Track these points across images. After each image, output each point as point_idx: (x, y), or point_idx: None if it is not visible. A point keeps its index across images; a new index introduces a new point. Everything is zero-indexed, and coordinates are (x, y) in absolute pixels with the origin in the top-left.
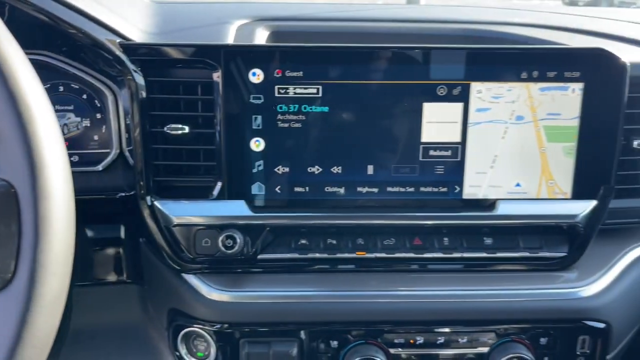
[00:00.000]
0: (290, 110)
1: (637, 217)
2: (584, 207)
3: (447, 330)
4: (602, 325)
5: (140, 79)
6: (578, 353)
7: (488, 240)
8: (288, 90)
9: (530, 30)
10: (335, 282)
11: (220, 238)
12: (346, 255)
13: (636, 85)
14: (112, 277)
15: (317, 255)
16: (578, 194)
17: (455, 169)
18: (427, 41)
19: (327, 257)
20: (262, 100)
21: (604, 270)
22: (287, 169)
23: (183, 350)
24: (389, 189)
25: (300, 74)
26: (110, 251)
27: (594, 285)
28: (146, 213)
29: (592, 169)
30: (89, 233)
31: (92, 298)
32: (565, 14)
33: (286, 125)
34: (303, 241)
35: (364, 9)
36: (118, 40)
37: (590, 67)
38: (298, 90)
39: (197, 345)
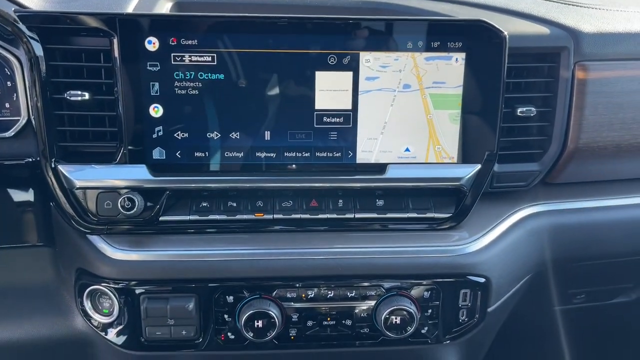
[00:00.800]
0: (187, 78)
1: (522, 181)
2: (468, 171)
3: (336, 285)
4: (482, 279)
5: (38, 47)
6: (460, 305)
7: (380, 202)
8: (184, 58)
9: (419, 2)
10: (233, 241)
11: (120, 200)
12: (245, 216)
13: (517, 56)
14: (24, 240)
15: (217, 217)
16: (464, 158)
17: (348, 135)
18: (321, 12)
19: (227, 218)
20: (158, 68)
21: (487, 230)
22: (186, 135)
23: (88, 306)
24: (287, 154)
25: (195, 42)
26: (22, 215)
27: (476, 243)
28: (50, 177)
29: (476, 135)
30: (1, 196)
31: (5, 260)
32: None
33: (184, 92)
34: (204, 204)
35: None
36: (14, 8)
37: (472, 38)
38: (194, 58)
39: (102, 303)
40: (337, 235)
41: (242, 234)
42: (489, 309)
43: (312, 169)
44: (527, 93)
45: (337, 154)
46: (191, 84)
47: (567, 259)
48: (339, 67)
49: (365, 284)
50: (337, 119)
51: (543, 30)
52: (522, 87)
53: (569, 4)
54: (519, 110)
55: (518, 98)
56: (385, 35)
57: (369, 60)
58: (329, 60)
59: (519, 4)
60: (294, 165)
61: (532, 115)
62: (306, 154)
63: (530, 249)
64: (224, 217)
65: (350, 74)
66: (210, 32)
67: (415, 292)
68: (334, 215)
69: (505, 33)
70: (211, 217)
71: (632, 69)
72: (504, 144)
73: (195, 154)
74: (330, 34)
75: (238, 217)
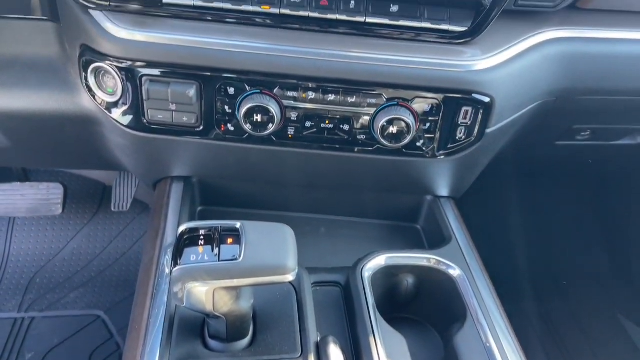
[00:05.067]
0: None
1: (550, 1)
2: None
3: (337, 87)
4: (486, 99)
5: None
6: (459, 123)
7: (394, 8)
8: None
9: None
10: (237, 33)
11: None
12: (250, 7)
13: None
14: (29, 12)
15: (222, 4)
16: None
17: None
18: None
19: (232, 7)
20: None
21: (502, 49)
22: None
23: (92, 82)
24: None
25: None
26: None
27: (487, 61)
28: None
29: None
30: None
31: (11, 31)
32: None
33: None
34: None
35: None
36: None
37: None
38: None
39: (106, 82)
40: (344, 39)
41: (247, 27)
42: (488, 130)
43: None
44: None
45: None
46: None
47: (580, 91)
48: None
49: (367, 91)
50: None
51: None
52: None
53: None
54: None
55: None
56: None
57: None
58: None
59: None
60: None
61: None
62: None
63: (544, 75)
64: (228, 5)
65: None
66: None
67: (416, 104)
68: (344, 17)
69: None
70: (216, 4)
71: None
72: None
73: None
74: None
75: (244, 7)
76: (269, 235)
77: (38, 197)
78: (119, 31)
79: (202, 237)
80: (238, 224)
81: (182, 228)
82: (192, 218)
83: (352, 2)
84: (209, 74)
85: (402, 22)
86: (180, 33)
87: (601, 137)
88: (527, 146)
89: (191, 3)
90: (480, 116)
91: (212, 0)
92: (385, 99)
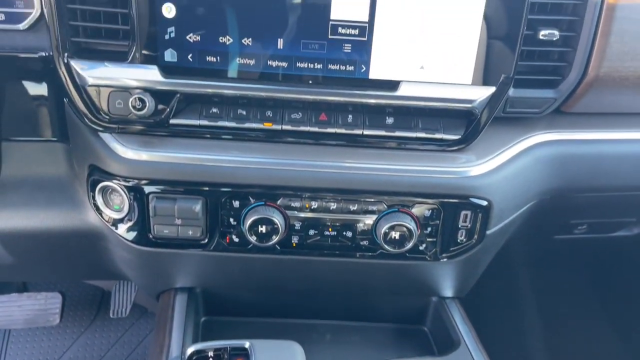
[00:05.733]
0: None
1: (536, 108)
2: (482, 94)
3: (339, 197)
4: (484, 202)
5: None
6: (460, 226)
7: (389, 120)
8: None
9: None
10: (241, 149)
11: (131, 100)
12: (254, 125)
13: None
14: (39, 134)
15: (227, 123)
16: (479, 80)
17: (362, 48)
18: None
19: (236, 125)
20: None
21: (495, 154)
22: (198, 38)
23: (100, 201)
24: (298, 64)
25: None
26: (37, 109)
27: (482, 166)
28: (63, 72)
29: (494, 57)
30: (16, 89)
31: (21, 153)
32: None
33: None
34: (214, 110)
35: None
36: None
37: None
38: None
39: (113, 199)
40: (344, 150)
41: (250, 142)
42: (488, 232)
43: (324, 81)
44: (552, 15)
45: (350, 68)
46: None
47: (572, 189)
48: None
49: (368, 199)
50: (352, 31)
51: None
52: (547, 9)
53: None
54: (541, 33)
55: (542, 20)
56: None
57: None
58: None
59: None
60: (305, 77)
61: (554, 39)
62: (318, 66)
63: (537, 177)
64: (233, 124)
65: None
66: None
67: (416, 210)
68: (343, 130)
69: None
70: (220, 123)
71: None
72: (521, 68)
73: (207, 58)
74: None
75: (247, 125)
76: (279, 355)
77: (36, 307)
78: (126, 152)
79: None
80: (247, 344)
81: (190, 350)
82: (196, 330)
83: (350, 117)
84: (214, 189)
85: (397, 133)
86: (186, 151)
87: (598, 230)
88: (527, 241)
89: (197, 123)
90: (479, 219)
91: (217, 119)
92: (386, 206)
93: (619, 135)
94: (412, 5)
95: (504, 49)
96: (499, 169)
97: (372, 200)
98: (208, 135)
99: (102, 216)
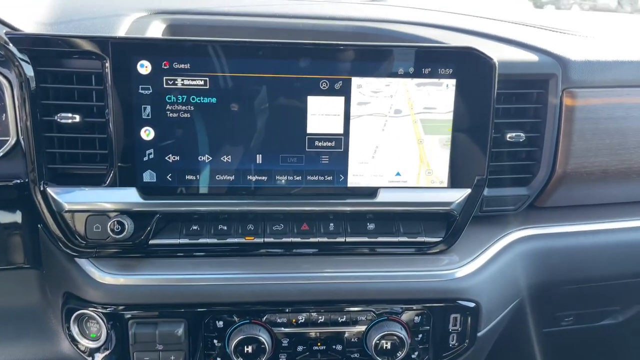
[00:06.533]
0: (179, 101)
1: (511, 205)
2: (459, 196)
3: (327, 310)
4: (472, 304)
5: (29, 69)
6: (450, 330)
7: (370, 226)
8: (176, 82)
9: (409, 27)
10: (223, 265)
11: (109, 224)
12: (236, 240)
13: (506, 82)
14: (11, 262)
15: (208, 240)
16: (454, 183)
17: (339, 159)
18: (313, 37)
19: (217, 242)
20: (150, 91)
21: (477, 254)
22: (177, 157)
23: (75, 331)
24: (278, 177)
25: (188, 66)
26: (10, 236)
27: (465, 268)
28: (39, 199)
29: (466, 160)
30: None
31: None
32: (450, 12)
33: (175, 115)
34: (194, 227)
35: (259, 4)
36: (5, 30)
37: (462, 64)
38: (186, 82)
39: (89, 327)
40: (328, 259)
41: (232, 257)
42: (479, 334)
43: (303, 192)
44: (516, 119)
45: (329, 178)
46: (183, 107)
47: (555, 283)
48: (331, 92)
49: (356, 309)
50: (329, 143)
51: (532, 57)
52: (511, 113)
53: (557, 32)
54: (508, 135)
55: (507, 123)
56: (376, 61)
57: (360, 85)
58: (321, 85)
59: (508, 31)
60: (285, 189)
61: (521, 140)
62: (297, 178)
63: (519, 273)
64: (214, 240)
65: (342, 99)
66: (202, 56)
67: (405, 316)
68: (325, 239)
69: (495, 60)
70: (201, 240)
71: (618, 96)
72: (493, 169)
73: (186, 177)
74: (323, 59)
75: (229, 240)
76: None
77: None
78: (104, 277)
79: None
80: None
81: None
82: None
83: (331, 225)
84: (197, 309)
85: (380, 239)
86: (166, 272)
87: (585, 320)
88: (516, 337)
89: (177, 242)
90: (469, 321)
91: (197, 237)
92: (375, 314)
93: (593, 227)
94: (384, 116)
95: (476, 152)
96: (482, 268)
97: (361, 309)
98: (187, 254)
99: (77, 346)
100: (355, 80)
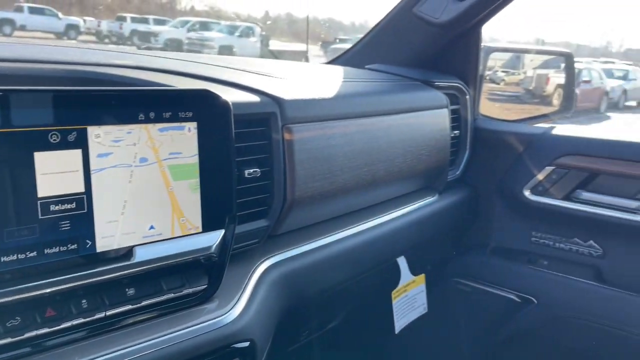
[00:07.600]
0: None
1: (256, 238)
2: (215, 238)
3: None
4: (246, 343)
5: None
6: None
7: (131, 291)
8: None
9: (138, 73)
10: None
11: None
12: None
13: (237, 122)
14: None
15: None
16: (208, 226)
17: (83, 221)
18: (30, 83)
19: None
20: None
21: (239, 294)
22: None
23: None
24: (4, 259)
25: None
26: None
27: (233, 310)
28: None
29: (216, 201)
30: None
31: None
32: (181, 60)
33: None
34: None
35: None
36: None
37: (200, 107)
38: None
39: None
40: (89, 343)
41: None
42: None
43: (40, 270)
44: (249, 156)
45: (73, 246)
46: None
47: (309, 298)
48: (63, 145)
49: None
50: (68, 205)
51: (255, 98)
52: (246, 151)
53: (272, 77)
54: (246, 172)
55: (245, 161)
56: (113, 107)
57: (99, 135)
58: (51, 138)
59: (235, 77)
60: (15, 272)
61: (258, 175)
62: (31, 254)
63: (279, 300)
64: None
65: (78, 152)
66: None
67: None
68: (80, 320)
69: (229, 101)
70: None
71: (328, 128)
72: (237, 206)
73: None
74: (49, 107)
75: None
76: None
77: None
78: None
79: None
80: None
81: None
82: None
83: (84, 301)
84: None
85: (144, 302)
86: None
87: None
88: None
89: None
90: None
91: None
92: None
93: (326, 240)
94: (130, 167)
95: (224, 192)
96: (248, 306)
97: None
98: None
99: None
100: (92, 130)
